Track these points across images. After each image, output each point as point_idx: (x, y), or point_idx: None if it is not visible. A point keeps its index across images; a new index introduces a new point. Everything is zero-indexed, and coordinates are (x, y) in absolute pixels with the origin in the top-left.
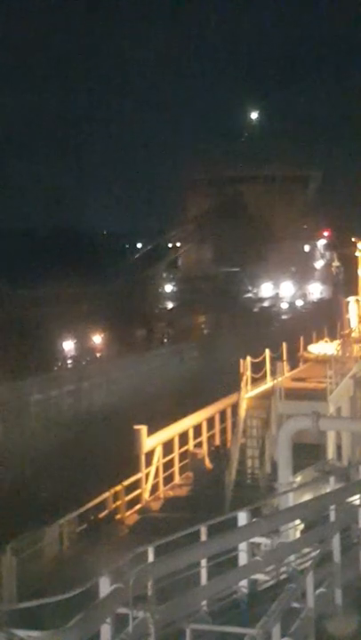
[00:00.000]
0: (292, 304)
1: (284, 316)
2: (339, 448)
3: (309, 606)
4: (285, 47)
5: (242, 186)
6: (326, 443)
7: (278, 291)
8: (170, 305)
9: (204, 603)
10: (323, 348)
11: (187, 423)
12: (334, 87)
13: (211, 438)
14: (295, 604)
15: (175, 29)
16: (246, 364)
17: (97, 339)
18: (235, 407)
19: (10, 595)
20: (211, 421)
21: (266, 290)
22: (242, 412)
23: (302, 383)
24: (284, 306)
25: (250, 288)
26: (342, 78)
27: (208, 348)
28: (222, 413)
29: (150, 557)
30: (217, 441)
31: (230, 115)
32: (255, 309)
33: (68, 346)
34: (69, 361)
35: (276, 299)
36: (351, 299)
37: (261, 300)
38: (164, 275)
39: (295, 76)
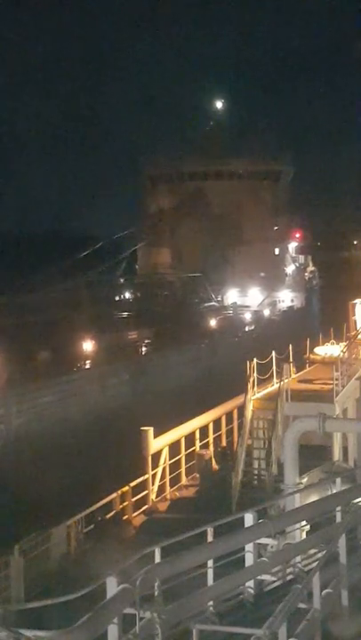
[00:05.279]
0: (257, 312)
1: (248, 328)
2: (345, 449)
3: (316, 607)
4: (256, 37)
5: (205, 182)
6: (333, 444)
7: (245, 298)
8: (124, 315)
9: (211, 603)
10: (329, 349)
11: (193, 424)
12: (309, 77)
13: (217, 439)
14: (301, 605)
15: (138, 17)
16: (252, 365)
17: None
18: (241, 408)
19: (17, 595)
20: (217, 423)
21: (231, 297)
22: (248, 413)
23: (309, 385)
24: (249, 315)
25: (212, 296)
26: (315, 68)
27: (144, 369)
28: (229, 415)
29: (157, 558)
30: (223, 442)
31: (194, 103)
32: (214, 320)
33: None
34: None
35: (241, 307)
36: (358, 301)
37: (225, 309)
38: (121, 280)
39: (266, 66)
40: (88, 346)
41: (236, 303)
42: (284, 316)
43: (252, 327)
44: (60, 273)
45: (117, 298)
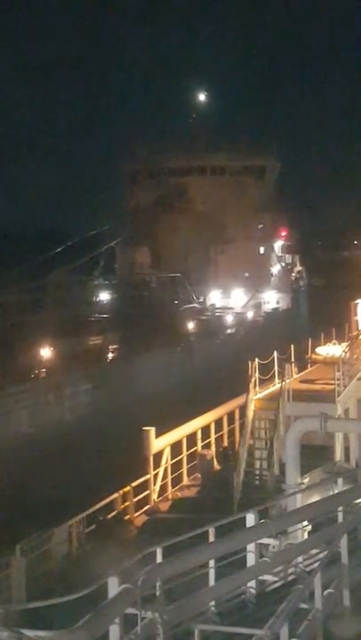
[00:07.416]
0: (240, 315)
1: (230, 330)
2: (346, 450)
3: (317, 607)
4: (242, 30)
5: (187, 177)
6: (334, 444)
7: (228, 299)
8: (96, 318)
9: (213, 603)
10: (331, 349)
11: (195, 424)
12: (302, 70)
13: (219, 440)
14: (303, 605)
15: (123, 12)
16: (254, 365)
17: None
18: (243, 408)
19: (19, 595)
20: (219, 423)
21: (214, 299)
22: (250, 413)
23: (310, 385)
24: (230, 318)
25: (194, 297)
26: (309, 62)
27: (107, 378)
28: (230, 415)
29: (159, 558)
30: (225, 442)
31: (177, 96)
32: (191, 323)
33: None
34: None
35: (223, 309)
36: (359, 301)
37: (207, 310)
38: (98, 281)
39: (253, 58)
40: (46, 352)
41: (214, 305)
42: (269, 318)
43: (234, 330)
44: (25, 272)
45: (94, 299)
